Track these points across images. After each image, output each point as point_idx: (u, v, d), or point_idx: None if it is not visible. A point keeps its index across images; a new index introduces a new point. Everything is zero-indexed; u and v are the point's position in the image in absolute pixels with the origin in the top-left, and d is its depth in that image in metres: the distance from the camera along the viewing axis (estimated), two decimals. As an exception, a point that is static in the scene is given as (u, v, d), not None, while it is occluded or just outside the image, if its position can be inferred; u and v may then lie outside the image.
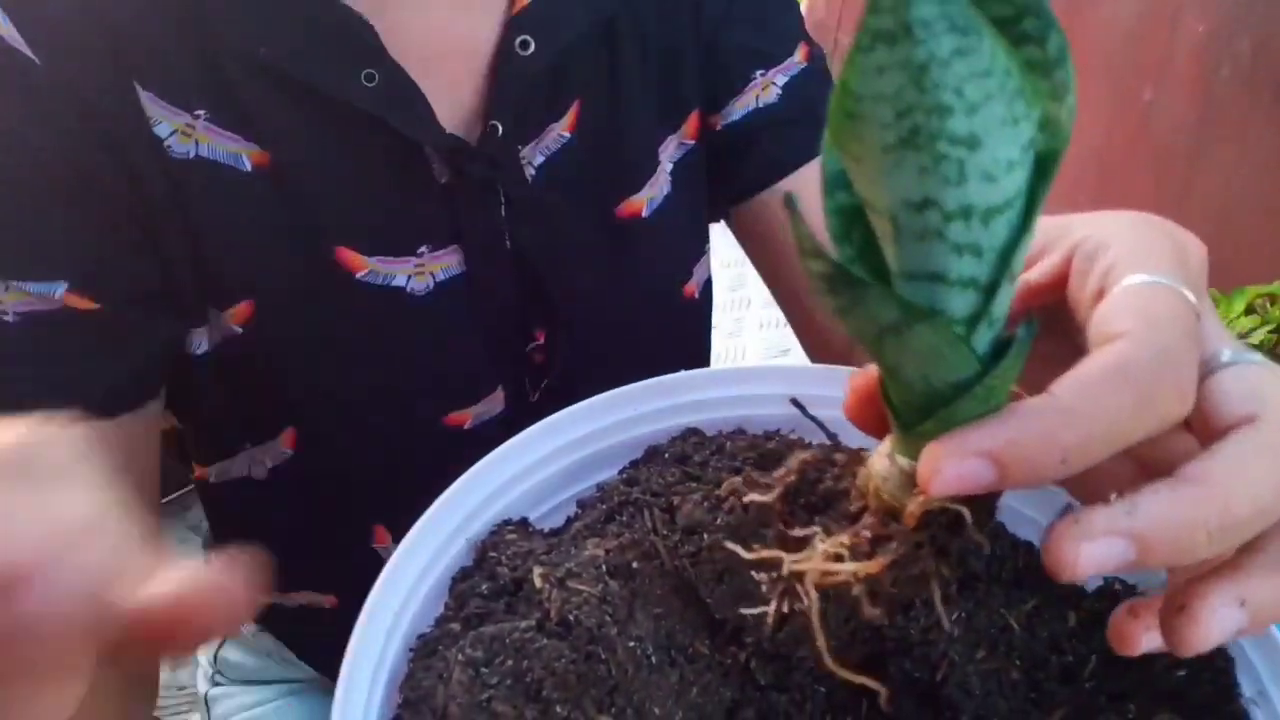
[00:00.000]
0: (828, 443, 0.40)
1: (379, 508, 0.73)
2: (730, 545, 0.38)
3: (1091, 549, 0.29)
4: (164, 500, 1.96)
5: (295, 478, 0.72)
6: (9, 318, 0.59)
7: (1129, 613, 0.34)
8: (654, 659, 0.39)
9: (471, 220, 0.67)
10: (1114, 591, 0.41)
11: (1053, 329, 0.36)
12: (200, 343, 0.66)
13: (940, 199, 0.26)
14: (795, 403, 0.46)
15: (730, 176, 0.79)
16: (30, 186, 0.59)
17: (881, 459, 0.33)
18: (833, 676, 0.41)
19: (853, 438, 0.38)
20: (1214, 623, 0.30)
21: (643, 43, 0.71)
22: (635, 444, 0.46)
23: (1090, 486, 0.32)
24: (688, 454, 0.45)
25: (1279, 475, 0.30)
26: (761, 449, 0.45)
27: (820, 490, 0.36)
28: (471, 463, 0.50)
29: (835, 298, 0.28)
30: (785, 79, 0.77)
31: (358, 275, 0.66)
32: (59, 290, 0.60)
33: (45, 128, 0.58)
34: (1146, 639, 0.33)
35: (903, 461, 0.32)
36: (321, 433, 0.70)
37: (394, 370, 0.69)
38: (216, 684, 0.99)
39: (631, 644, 0.38)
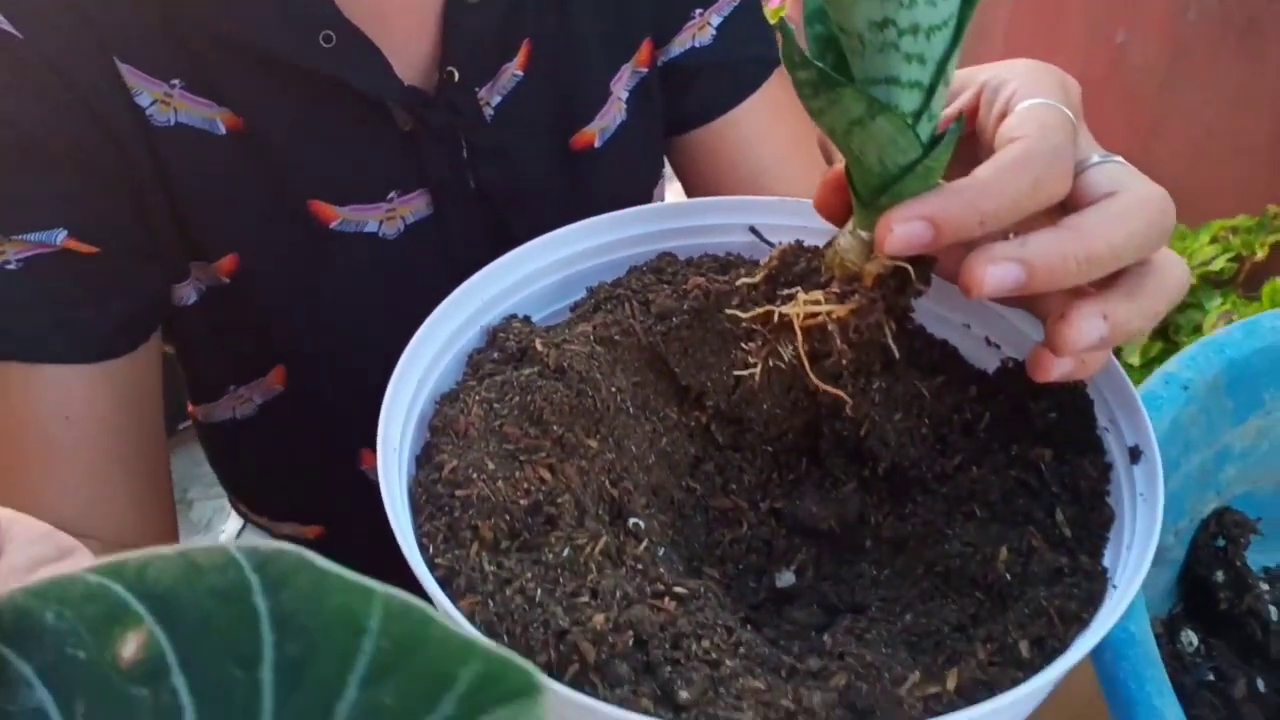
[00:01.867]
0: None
1: (366, 435, 0.82)
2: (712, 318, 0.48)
3: (994, 269, 0.39)
4: (179, 428, 2.03)
5: (284, 413, 0.77)
6: (11, 265, 0.62)
7: (1039, 350, 0.43)
8: (631, 409, 0.49)
9: (435, 165, 0.70)
10: (1008, 369, 0.51)
11: (963, 159, 0.45)
12: (188, 295, 0.71)
13: (895, 19, 0.36)
14: (754, 230, 0.56)
15: (668, 111, 0.82)
16: (22, 153, 0.62)
17: (845, 236, 0.43)
18: (778, 438, 0.51)
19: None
20: (1084, 325, 0.40)
21: None
22: (618, 265, 0.56)
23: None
24: (662, 268, 0.54)
25: (1128, 228, 0.40)
26: (723, 263, 0.54)
27: (794, 272, 0.46)
28: None
29: (816, 100, 0.38)
30: (719, 19, 0.80)
31: (331, 225, 0.70)
32: (59, 236, 0.63)
33: (33, 99, 0.62)
34: (1056, 367, 0.43)
35: (863, 234, 0.42)
36: (309, 369, 0.75)
37: (372, 308, 0.71)
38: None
39: (614, 390, 0.48)
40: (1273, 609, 0.60)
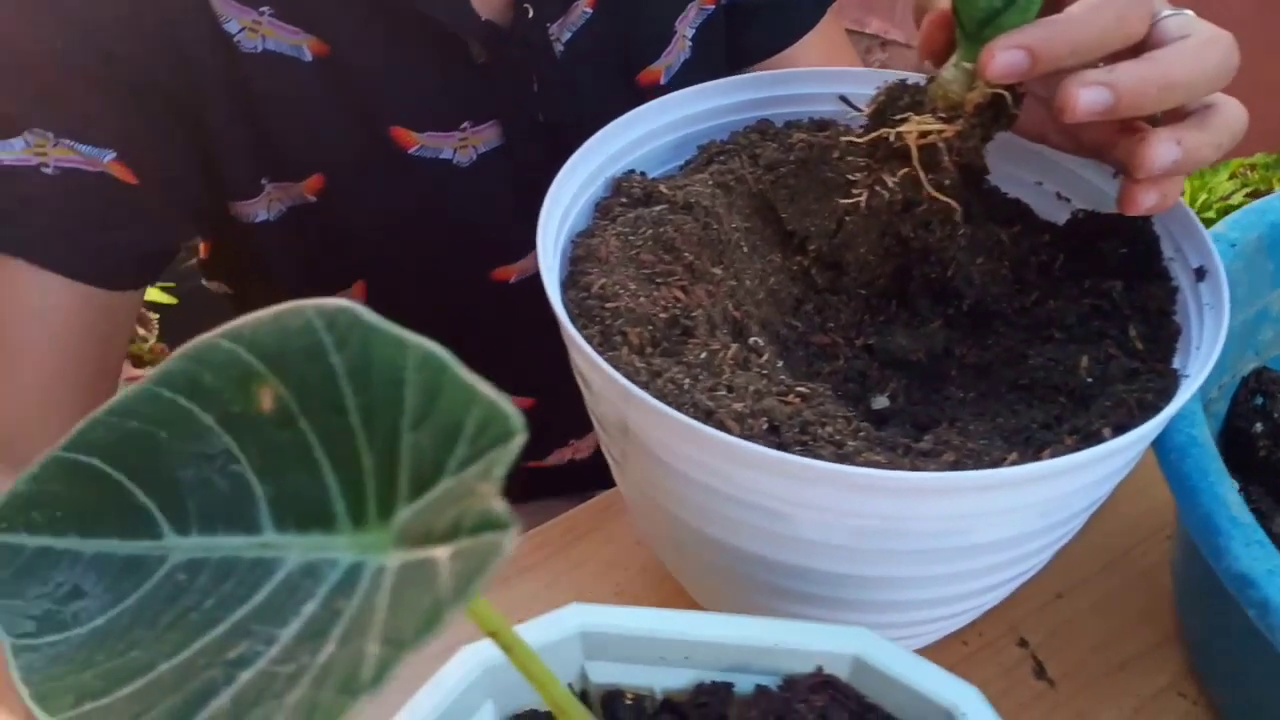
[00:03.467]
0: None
1: (443, 342, 0.87)
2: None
3: (1085, 92, 0.45)
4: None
5: None
6: (48, 169, 0.64)
7: (1127, 185, 0.49)
8: (745, 248, 0.55)
9: (506, 97, 0.74)
10: (1078, 218, 0.56)
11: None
12: (258, 213, 0.74)
13: None
14: (843, 98, 0.61)
15: (730, 45, 0.85)
16: (96, 67, 0.64)
17: (949, 69, 0.49)
18: (871, 282, 0.57)
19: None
20: (1161, 148, 0.46)
21: None
22: (722, 129, 0.61)
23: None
24: (764, 129, 0.60)
25: (1200, 63, 0.46)
26: (819, 123, 0.60)
27: (900, 106, 0.51)
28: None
29: None
30: None
31: (410, 150, 0.73)
32: (108, 156, 0.65)
33: (118, 19, 0.64)
34: (1143, 199, 0.48)
35: (966, 65, 0.48)
36: (388, 286, 0.79)
37: (447, 230, 0.76)
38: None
39: (733, 226, 0.53)
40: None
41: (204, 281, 0.88)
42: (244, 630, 0.24)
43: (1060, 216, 0.58)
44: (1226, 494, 0.48)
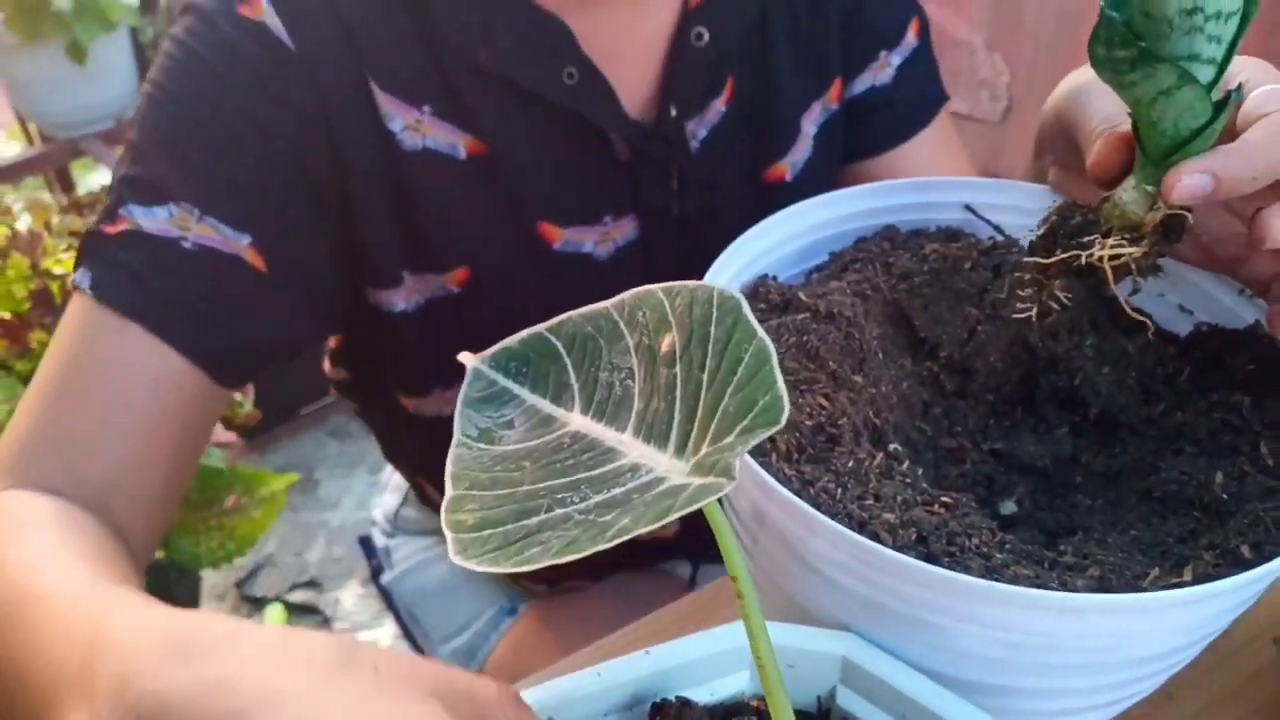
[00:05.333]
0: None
1: None
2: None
3: None
4: (303, 411, 2.13)
5: None
6: (187, 244, 0.66)
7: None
8: (881, 355, 0.57)
9: (648, 192, 0.76)
10: (1202, 331, 0.58)
11: None
12: (397, 303, 0.77)
13: (1203, 6, 0.44)
14: (968, 208, 0.64)
15: (846, 141, 0.87)
16: (254, 147, 0.67)
17: (1127, 191, 0.51)
18: (999, 388, 0.59)
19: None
20: None
21: (793, 18, 0.80)
22: (847, 236, 0.64)
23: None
24: (893, 237, 0.62)
25: None
26: (949, 233, 0.62)
27: (1071, 225, 0.53)
28: None
29: (1131, 74, 0.46)
30: (900, 59, 0.87)
31: (555, 245, 0.76)
32: (245, 240, 0.67)
33: (281, 106, 0.67)
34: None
35: (1147, 188, 0.50)
36: None
37: None
38: (393, 536, 1.13)
39: (871, 335, 0.56)
40: None
41: (327, 368, 0.91)
42: (576, 486, 0.34)
43: (1183, 329, 0.60)
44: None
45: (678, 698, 0.45)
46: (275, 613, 1.77)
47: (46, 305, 1.02)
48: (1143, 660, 0.46)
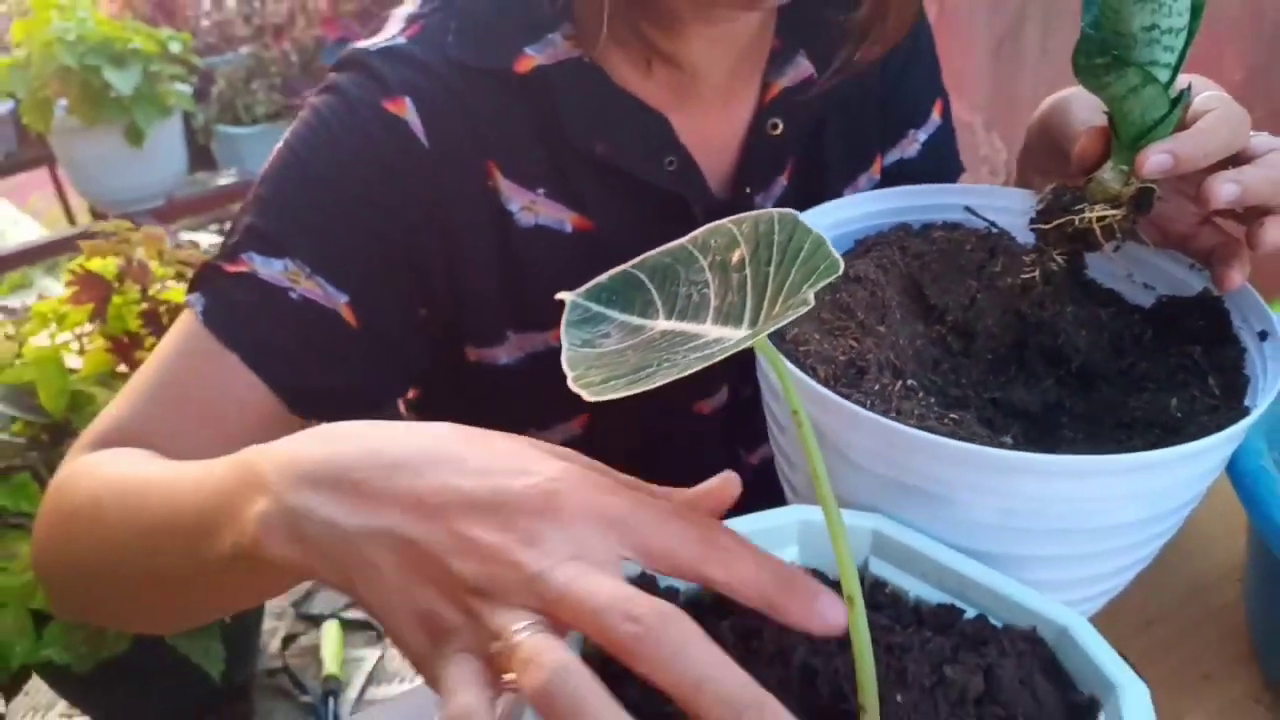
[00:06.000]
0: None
1: (648, 475, 0.80)
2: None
3: (1220, 185, 0.60)
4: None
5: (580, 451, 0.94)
6: (294, 295, 0.73)
7: (1223, 272, 0.65)
8: (898, 315, 0.70)
9: None
10: (1162, 302, 0.71)
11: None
12: (500, 358, 0.85)
13: (1159, 24, 0.58)
14: (969, 209, 0.77)
15: None
16: (366, 225, 0.75)
17: (1107, 170, 0.64)
18: (996, 348, 0.72)
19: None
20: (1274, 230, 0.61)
21: (843, 106, 0.89)
22: (869, 229, 0.77)
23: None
24: (906, 228, 0.75)
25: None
26: (951, 226, 0.75)
27: (1063, 201, 0.65)
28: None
29: (1106, 75, 0.59)
30: (926, 136, 0.98)
31: None
32: (343, 299, 0.74)
33: (403, 194, 0.75)
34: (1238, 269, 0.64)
35: (1123, 167, 0.63)
36: (608, 419, 0.86)
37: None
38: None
39: (890, 296, 0.68)
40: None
41: (402, 410, 0.98)
42: (667, 358, 0.43)
43: (1147, 301, 0.73)
44: (1291, 508, 0.61)
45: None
46: (332, 629, 1.88)
47: (154, 325, 1.15)
48: (1120, 528, 0.57)
